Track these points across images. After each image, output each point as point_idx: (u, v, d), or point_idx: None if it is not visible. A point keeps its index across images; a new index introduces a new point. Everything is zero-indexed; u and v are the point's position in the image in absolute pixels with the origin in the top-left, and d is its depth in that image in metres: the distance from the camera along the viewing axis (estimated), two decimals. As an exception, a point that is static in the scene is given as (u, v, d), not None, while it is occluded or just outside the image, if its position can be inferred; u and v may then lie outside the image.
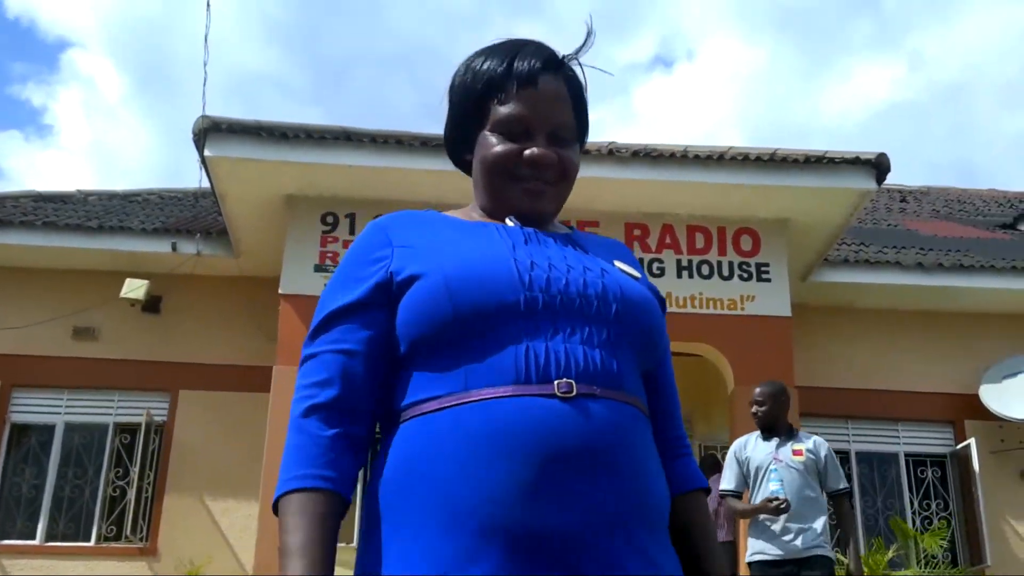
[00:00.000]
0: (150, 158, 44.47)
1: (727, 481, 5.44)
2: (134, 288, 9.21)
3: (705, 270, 8.76)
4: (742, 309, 8.68)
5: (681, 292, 8.65)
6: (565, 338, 1.27)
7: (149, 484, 9.42)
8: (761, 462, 5.30)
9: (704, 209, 8.79)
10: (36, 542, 9.26)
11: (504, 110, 1.43)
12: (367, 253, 1.39)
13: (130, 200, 11.18)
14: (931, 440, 10.23)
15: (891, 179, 8.86)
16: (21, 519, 9.39)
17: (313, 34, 45.23)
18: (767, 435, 5.40)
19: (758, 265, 8.79)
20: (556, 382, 1.22)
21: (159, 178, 46.58)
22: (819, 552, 5.11)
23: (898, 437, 10.18)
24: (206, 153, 7.91)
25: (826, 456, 5.39)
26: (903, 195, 15.02)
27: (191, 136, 7.98)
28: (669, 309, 10.19)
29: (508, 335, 1.26)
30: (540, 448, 1.18)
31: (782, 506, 5.05)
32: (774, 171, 8.36)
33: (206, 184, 8.71)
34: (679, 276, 8.71)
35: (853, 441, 10.09)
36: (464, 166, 1.56)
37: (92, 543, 9.28)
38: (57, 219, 9.63)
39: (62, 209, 10.27)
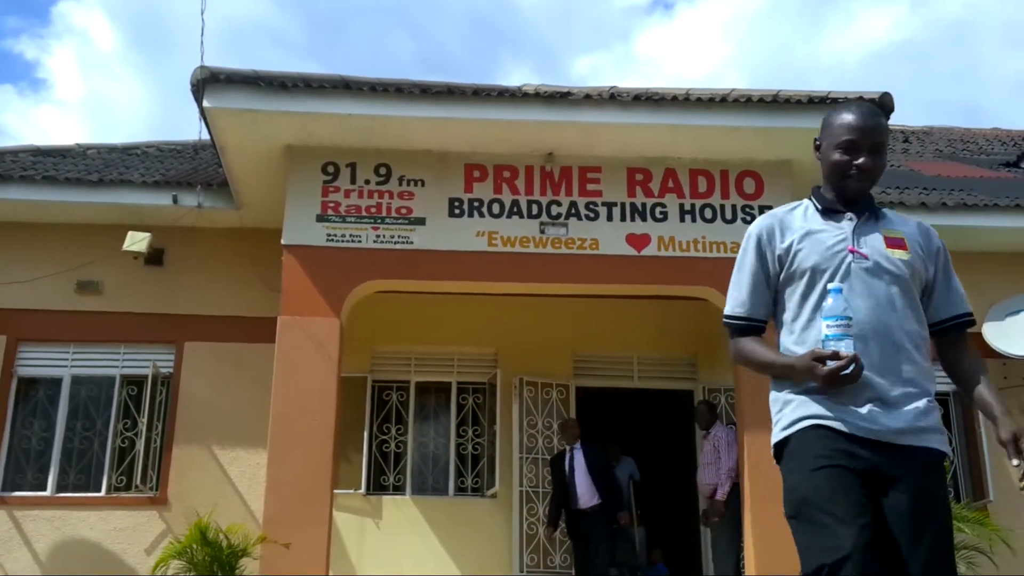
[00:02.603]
0: (145, 111, 44.16)
1: (735, 302, 2.92)
2: (136, 241, 9.19)
3: (708, 214, 8.72)
4: (745, 252, 8.65)
5: (684, 236, 8.61)
6: None
7: (157, 435, 9.49)
8: (821, 259, 2.77)
9: (707, 152, 8.73)
10: (47, 493, 9.36)
11: None
12: None
13: (129, 153, 11.13)
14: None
15: (893, 119, 8.77)
16: (32, 471, 9.48)
17: (308, -19, 44.67)
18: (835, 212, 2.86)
19: (762, 208, 8.73)
20: None
21: (155, 131, 46.19)
22: (925, 443, 2.70)
23: (901, 377, 10.20)
24: (205, 104, 7.84)
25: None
26: (905, 135, 14.92)
27: (189, 87, 7.91)
28: (671, 253, 9.80)
29: None
30: None
31: (848, 370, 2.52)
32: (777, 113, 8.29)
33: (206, 136, 8.66)
34: (682, 220, 8.66)
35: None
36: None
37: (103, 493, 9.38)
38: (57, 173, 9.58)
39: (61, 163, 10.22)
